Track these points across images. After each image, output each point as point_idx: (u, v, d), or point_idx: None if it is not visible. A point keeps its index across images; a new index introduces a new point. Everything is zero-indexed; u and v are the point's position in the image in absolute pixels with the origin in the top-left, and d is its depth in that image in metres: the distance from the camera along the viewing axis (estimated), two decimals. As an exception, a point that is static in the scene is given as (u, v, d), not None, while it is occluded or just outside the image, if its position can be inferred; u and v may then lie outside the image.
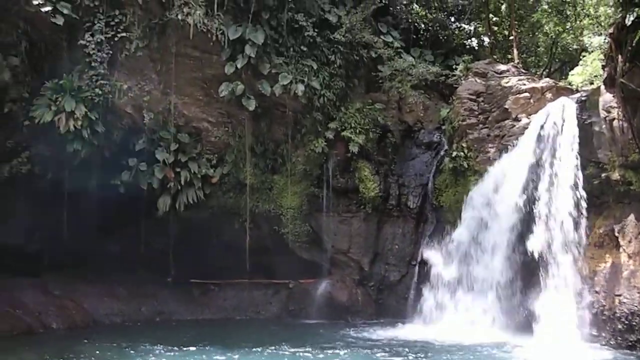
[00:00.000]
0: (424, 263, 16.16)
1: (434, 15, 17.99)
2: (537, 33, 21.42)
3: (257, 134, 17.08)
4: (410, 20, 17.96)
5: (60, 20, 16.24)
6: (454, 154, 15.29)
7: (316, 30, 16.73)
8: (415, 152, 16.98)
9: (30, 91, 16.40)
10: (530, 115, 15.90)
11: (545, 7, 20.50)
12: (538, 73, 19.31)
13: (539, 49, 21.38)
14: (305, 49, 16.78)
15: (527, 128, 14.69)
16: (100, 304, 16.96)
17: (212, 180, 16.97)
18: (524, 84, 16.13)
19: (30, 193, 16.90)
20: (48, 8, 16.11)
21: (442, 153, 16.41)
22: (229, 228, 17.70)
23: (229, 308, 16.32)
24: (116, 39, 16.44)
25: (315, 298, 16.27)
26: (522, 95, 16.39)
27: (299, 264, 17.26)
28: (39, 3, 15.98)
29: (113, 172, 16.68)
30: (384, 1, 17.66)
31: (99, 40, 16.70)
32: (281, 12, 16.69)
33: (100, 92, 16.56)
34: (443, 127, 16.60)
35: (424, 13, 18.01)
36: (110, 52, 16.50)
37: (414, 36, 18.37)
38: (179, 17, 16.32)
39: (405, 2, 18.00)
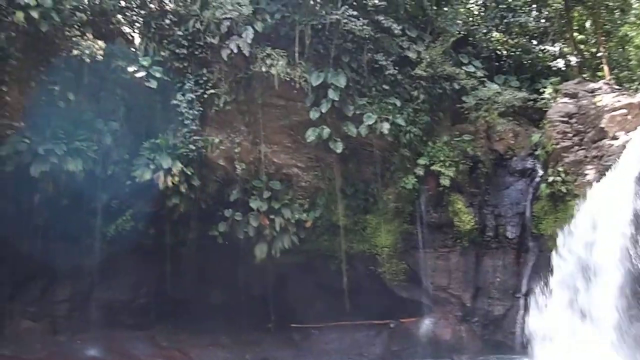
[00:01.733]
0: (528, 295, 19.74)
1: (515, 41, 21.61)
2: (626, 47, 23.37)
3: (346, 175, 20.97)
4: (491, 48, 21.31)
5: (153, 84, 21.12)
6: (551, 179, 17.52)
7: (396, 68, 20.52)
8: (509, 181, 20.05)
9: (130, 152, 21.41)
10: (628, 132, 18.14)
11: (633, 19, 22.62)
12: (632, 88, 21.26)
13: (630, 63, 23.57)
14: (387, 87, 20.60)
15: (626, 146, 16.52)
16: (206, 353, 19.87)
17: (305, 224, 20.59)
18: (619, 101, 18.10)
19: (134, 249, 21.65)
20: (142, 74, 21.05)
21: (537, 179, 19.10)
22: (326, 271, 21.41)
23: (331, 351, 18.68)
24: (205, 95, 20.92)
25: (418, 337, 19.23)
26: (618, 113, 18.01)
27: (399, 302, 20.49)
28: (134, 70, 21.12)
29: (210, 223, 20.96)
30: (462, 32, 21.29)
31: (189, 98, 21.45)
32: (361, 54, 20.61)
33: (194, 148, 21.17)
34: (536, 153, 18.76)
35: (504, 39, 21.79)
36: (201, 108, 21.07)
37: (497, 63, 21.64)
38: (263, 69, 20.75)
39: (484, 31, 21.79)
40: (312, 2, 20.45)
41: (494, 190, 20.58)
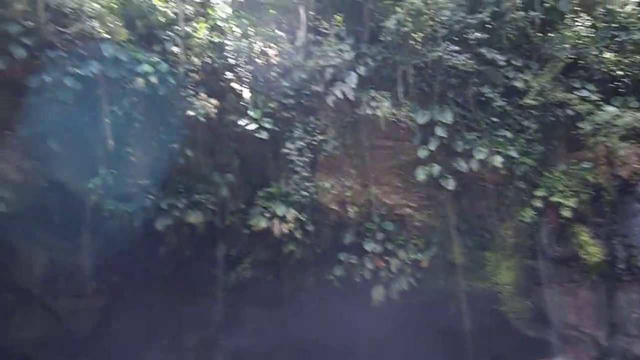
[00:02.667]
0: (672, 330, 20.58)
1: (631, 60, 23.01)
2: None
3: (460, 212, 22.52)
4: (604, 70, 22.20)
5: (264, 135, 24.54)
6: (684, 203, 19.92)
7: (504, 99, 22.20)
8: (638, 208, 20.96)
9: (245, 202, 24.94)
10: None
11: None
12: None
13: None
14: (496, 119, 22.25)
15: None
16: (329, 398, 24.06)
17: (421, 264, 22.47)
18: None
19: (255, 296, 25.06)
20: (253, 126, 24.63)
21: (669, 204, 20.23)
22: (444, 312, 23.90)
23: (457, 397, 22.16)
24: (314, 142, 23.49)
25: (549, 379, 22.33)
26: None
27: (525, 342, 21.48)
28: (245, 123, 24.76)
29: (326, 268, 23.32)
30: (571, 57, 22.29)
31: (299, 146, 24.68)
32: (466, 89, 22.43)
33: (306, 194, 24.06)
34: (665, 176, 21.31)
35: (618, 59, 23.29)
36: (311, 155, 23.68)
37: (612, 85, 22.51)
38: (368, 112, 23.41)
39: (595, 53, 22.76)
40: (412, 42, 23.20)
41: (621, 218, 21.49)
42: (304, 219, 22.90)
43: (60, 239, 22.85)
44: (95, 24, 21.47)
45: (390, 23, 22.01)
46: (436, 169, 22.47)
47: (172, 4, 23.12)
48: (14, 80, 21.48)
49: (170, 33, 22.93)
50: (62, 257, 23.44)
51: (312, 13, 23.59)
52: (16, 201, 21.60)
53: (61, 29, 21.71)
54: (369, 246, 22.95)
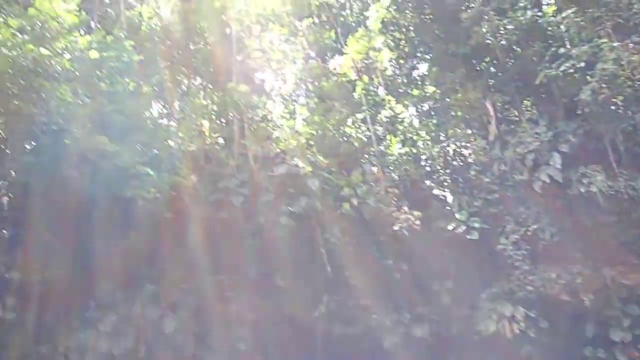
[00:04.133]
0: None
1: None
2: None
3: None
4: None
5: (474, 235, 28.35)
6: None
7: None
8: None
9: (468, 307, 28.47)
10: None
11: None
12: None
13: None
14: None
15: None
16: None
17: None
18: None
19: None
20: (463, 228, 29.35)
21: None
22: None
23: None
24: (529, 233, 27.33)
25: None
26: None
27: None
28: (453, 226, 29.41)
29: None
30: None
31: (513, 239, 28.20)
32: None
33: (532, 289, 26.69)
34: None
35: None
36: (528, 246, 27.44)
37: None
38: (582, 190, 26.80)
39: None
40: (613, 107, 26.54)
41: None
42: (534, 316, 25.83)
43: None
44: (299, 162, 28.24)
45: (585, 94, 24.29)
46: (678, 236, 24.51)
47: (363, 128, 29.47)
48: (233, 226, 28.72)
49: (365, 155, 29.07)
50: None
51: (499, 105, 28.34)
52: (253, 338, 27.97)
53: (270, 173, 28.87)
54: (616, 336, 25.03)
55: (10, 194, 25.70)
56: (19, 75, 22.05)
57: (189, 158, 28.06)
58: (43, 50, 21.89)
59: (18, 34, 22.13)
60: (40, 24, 22.64)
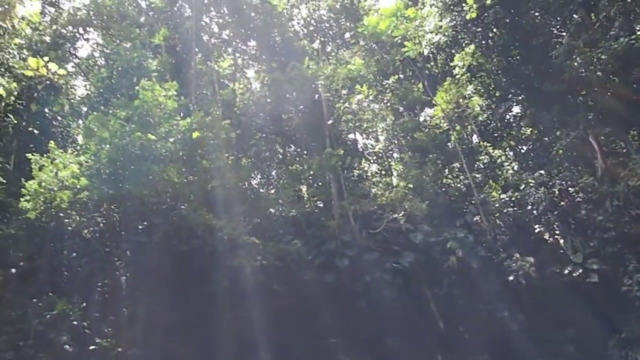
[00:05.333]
0: None
1: None
2: None
3: None
4: None
5: (594, 278, 27.13)
6: None
7: None
8: None
9: (596, 355, 27.20)
10: None
11: None
12: None
13: None
14: None
15: None
16: None
17: None
18: None
19: None
20: (578, 271, 27.92)
21: None
22: None
23: None
24: None
25: None
26: None
27: None
28: (569, 270, 28.13)
29: None
30: None
31: (638, 279, 27.07)
32: None
33: None
34: None
35: None
36: None
37: None
38: None
39: None
40: None
41: None
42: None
43: None
44: (399, 217, 28.14)
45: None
46: None
47: (461, 177, 29.12)
48: (339, 288, 28.64)
49: (466, 204, 28.56)
50: None
51: (602, 138, 27.21)
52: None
53: (372, 231, 28.91)
54: None
55: (127, 274, 27.15)
56: (129, 161, 23.65)
57: (290, 223, 28.69)
58: (150, 136, 23.44)
59: (125, 123, 23.89)
60: (144, 112, 24.32)
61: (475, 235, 26.29)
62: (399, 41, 29.25)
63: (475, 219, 27.11)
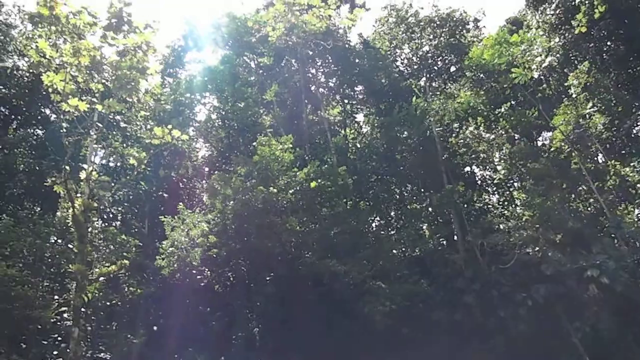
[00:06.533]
0: None
1: None
2: None
3: None
4: None
5: None
6: None
7: None
8: None
9: None
10: None
11: None
12: None
13: None
14: None
15: None
16: None
17: None
18: None
19: None
20: None
21: None
22: None
23: None
24: None
25: None
26: None
27: None
28: None
29: None
30: None
31: None
32: None
33: None
34: None
35: None
36: None
37: None
38: None
39: None
40: None
41: None
42: None
43: None
44: (528, 249, 27.08)
45: None
46: None
47: (591, 199, 27.62)
48: (469, 325, 27.75)
49: (598, 227, 26.97)
50: None
51: None
52: None
53: (501, 266, 28.01)
54: None
55: (259, 325, 27.96)
56: (253, 215, 24.66)
57: (414, 263, 28.50)
58: (270, 189, 24.37)
59: (246, 179, 25.01)
60: (264, 167, 25.38)
61: (616, 260, 24.68)
62: (505, 68, 28.73)
63: (611, 242, 25.53)
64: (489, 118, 30.90)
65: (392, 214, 36.61)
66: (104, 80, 20.92)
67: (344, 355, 24.44)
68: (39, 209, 35.25)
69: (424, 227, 32.04)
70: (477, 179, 34.49)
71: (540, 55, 27.52)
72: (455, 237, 29.58)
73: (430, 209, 31.32)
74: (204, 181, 37.92)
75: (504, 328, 26.10)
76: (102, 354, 31.74)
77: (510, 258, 26.40)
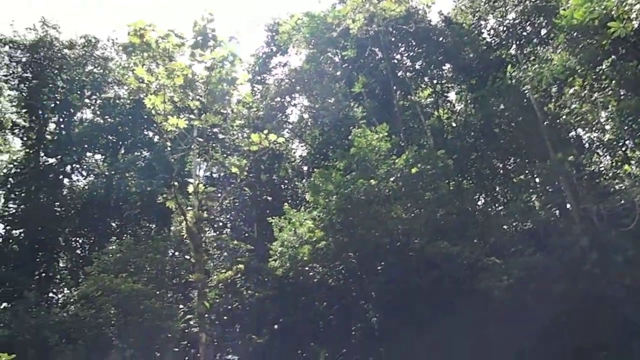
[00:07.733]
0: None
1: None
2: None
3: None
4: None
5: None
6: None
7: None
8: None
9: None
10: None
11: None
12: None
13: None
14: None
15: None
16: None
17: None
18: None
19: None
20: None
21: None
22: None
23: None
24: None
25: None
26: None
27: None
28: None
29: None
30: None
31: None
32: None
33: None
34: None
35: None
36: None
37: None
38: None
39: None
40: None
41: None
42: None
43: None
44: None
45: None
46: None
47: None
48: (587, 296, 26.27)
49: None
50: None
51: None
52: None
53: (622, 229, 26.52)
54: None
55: (377, 315, 28.19)
56: (357, 208, 24.91)
57: (528, 236, 27.64)
58: (371, 180, 24.52)
59: (345, 173, 25.31)
60: (362, 159, 25.58)
61: None
62: (600, 24, 27.03)
63: None
64: (590, 77, 29.30)
65: (498, 189, 35.65)
66: (198, 97, 21.78)
67: (462, 333, 24.11)
68: (154, 225, 37.39)
69: (533, 199, 30.95)
70: (583, 142, 32.86)
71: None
72: (568, 205, 28.36)
73: (537, 180, 30.21)
74: (304, 180, 38.71)
75: (634, 295, 24.63)
76: (229, 356, 33.17)
77: (631, 220, 24.95)
